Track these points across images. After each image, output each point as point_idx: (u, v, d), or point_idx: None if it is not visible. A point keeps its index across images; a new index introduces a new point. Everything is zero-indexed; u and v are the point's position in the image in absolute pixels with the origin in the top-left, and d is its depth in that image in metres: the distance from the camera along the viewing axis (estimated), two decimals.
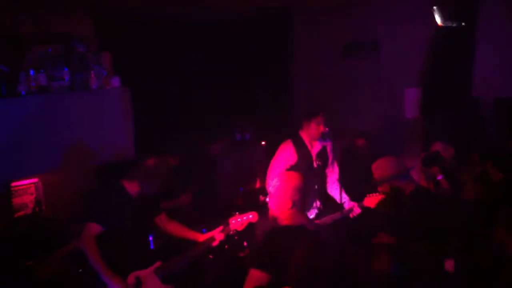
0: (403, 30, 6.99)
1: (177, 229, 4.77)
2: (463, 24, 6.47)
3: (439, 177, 5.26)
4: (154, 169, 4.55)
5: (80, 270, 4.51)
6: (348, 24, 7.54)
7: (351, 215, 5.36)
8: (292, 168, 5.41)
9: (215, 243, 4.53)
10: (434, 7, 6.35)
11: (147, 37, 7.02)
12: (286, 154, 5.48)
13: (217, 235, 4.53)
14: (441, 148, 5.55)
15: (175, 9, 6.85)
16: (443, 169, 5.31)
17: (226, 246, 5.52)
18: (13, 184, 5.36)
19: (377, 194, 5.19)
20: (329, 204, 5.57)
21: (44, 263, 4.98)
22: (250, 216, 4.51)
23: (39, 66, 5.14)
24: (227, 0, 6.53)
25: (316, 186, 5.48)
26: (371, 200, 5.28)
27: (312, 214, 5.43)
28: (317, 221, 5.29)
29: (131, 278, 4.29)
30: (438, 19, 6.41)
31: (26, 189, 5.49)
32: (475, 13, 6.37)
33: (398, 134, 7.22)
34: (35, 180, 5.54)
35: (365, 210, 5.31)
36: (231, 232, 4.55)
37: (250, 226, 4.66)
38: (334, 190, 5.59)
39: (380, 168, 4.82)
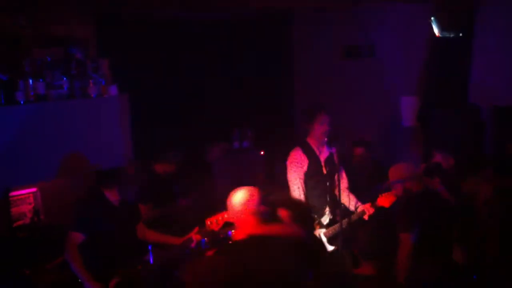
0: (401, 35, 7.03)
1: (155, 235, 4.92)
2: (460, 34, 6.49)
3: (441, 189, 5.28)
4: (133, 176, 4.57)
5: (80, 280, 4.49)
6: (347, 28, 7.59)
7: (365, 217, 5.36)
8: (304, 174, 5.39)
9: (193, 245, 4.67)
10: (432, 18, 6.36)
11: (146, 38, 7.05)
12: (298, 159, 5.41)
13: (194, 236, 4.68)
14: (442, 159, 5.57)
15: (176, 9, 6.87)
16: (444, 180, 5.33)
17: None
18: (12, 193, 5.34)
19: (388, 193, 5.24)
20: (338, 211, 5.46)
21: (44, 271, 4.97)
22: (226, 215, 4.55)
23: (37, 74, 5.13)
24: (228, 1, 6.53)
25: (327, 194, 5.44)
26: (384, 200, 5.30)
27: (325, 221, 5.43)
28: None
29: (112, 285, 4.38)
30: (435, 30, 6.42)
31: (25, 198, 5.47)
32: (472, 21, 6.41)
33: (396, 141, 7.23)
34: (33, 189, 5.52)
35: (379, 209, 5.32)
36: (208, 233, 4.67)
37: None
38: (345, 197, 5.52)
39: (397, 171, 4.91)
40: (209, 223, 4.62)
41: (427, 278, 4.35)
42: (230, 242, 4.13)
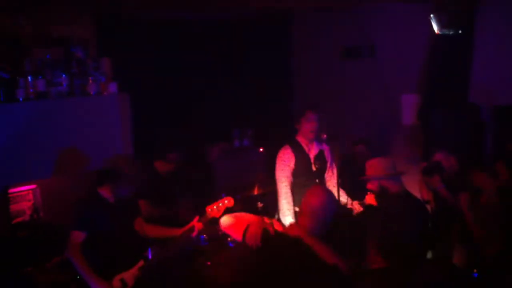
0: (401, 35, 7.03)
1: (154, 229, 4.88)
2: (460, 32, 6.49)
3: (440, 187, 5.25)
4: (127, 173, 4.57)
5: (78, 277, 4.50)
6: (347, 28, 7.60)
7: (354, 213, 5.36)
8: (292, 172, 5.43)
9: (194, 234, 4.64)
10: (431, 15, 6.36)
11: (146, 38, 7.06)
12: (285, 157, 5.47)
13: (196, 224, 4.64)
14: (443, 158, 5.54)
15: (176, 9, 6.87)
16: (444, 178, 5.29)
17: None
18: (11, 190, 5.35)
19: None
20: None
21: (43, 270, 4.97)
22: (226, 201, 4.64)
23: (37, 72, 5.14)
24: (228, 1, 6.55)
25: None
26: (373, 197, 5.27)
27: None
28: None
29: (116, 281, 4.41)
30: (435, 27, 6.42)
31: (24, 195, 5.48)
32: (472, 20, 6.40)
33: (397, 139, 7.23)
34: (33, 186, 5.53)
35: (368, 207, 5.25)
36: (209, 220, 4.65)
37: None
38: (335, 193, 5.51)
39: (374, 167, 4.82)
40: (209, 210, 4.61)
41: (427, 279, 4.32)
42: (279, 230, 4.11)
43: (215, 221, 4.69)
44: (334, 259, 3.74)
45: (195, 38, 7.67)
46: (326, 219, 3.93)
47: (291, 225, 4.02)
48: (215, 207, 4.62)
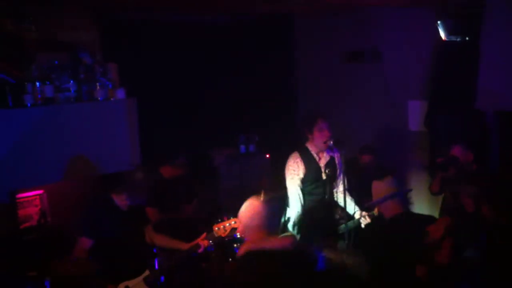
0: (406, 40, 7.04)
1: (163, 239, 4.92)
2: (466, 38, 6.48)
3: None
4: (142, 181, 4.59)
5: None
6: (352, 33, 7.61)
7: (362, 225, 5.38)
8: (301, 180, 5.39)
9: (200, 250, 4.71)
10: (438, 22, 6.36)
11: (151, 42, 7.06)
12: (294, 166, 5.41)
13: (202, 242, 4.70)
14: (460, 153, 5.39)
15: (178, 11, 6.88)
16: (459, 173, 5.15)
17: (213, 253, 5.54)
18: (18, 195, 5.37)
19: None
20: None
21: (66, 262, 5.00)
22: (233, 222, 4.63)
23: (45, 77, 5.17)
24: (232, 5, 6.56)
25: (325, 198, 5.47)
26: None
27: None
28: None
29: None
30: (442, 34, 6.41)
31: (31, 200, 5.49)
32: (479, 26, 6.39)
33: (403, 146, 7.22)
34: (40, 191, 5.55)
35: (378, 217, 5.21)
36: (216, 239, 4.72)
37: None
38: (343, 201, 5.40)
39: (375, 190, 4.68)
40: (216, 229, 4.66)
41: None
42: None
43: (221, 239, 4.80)
44: (285, 241, 3.76)
45: (199, 41, 7.66)
46: (265, 224, 3.82)
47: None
48: (222, 226, 4.66)
